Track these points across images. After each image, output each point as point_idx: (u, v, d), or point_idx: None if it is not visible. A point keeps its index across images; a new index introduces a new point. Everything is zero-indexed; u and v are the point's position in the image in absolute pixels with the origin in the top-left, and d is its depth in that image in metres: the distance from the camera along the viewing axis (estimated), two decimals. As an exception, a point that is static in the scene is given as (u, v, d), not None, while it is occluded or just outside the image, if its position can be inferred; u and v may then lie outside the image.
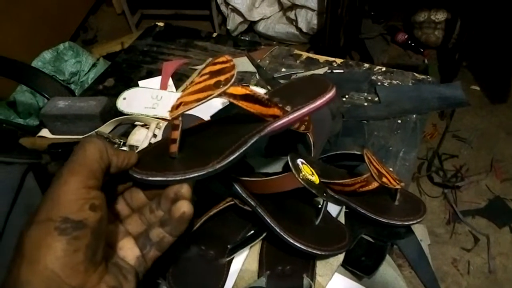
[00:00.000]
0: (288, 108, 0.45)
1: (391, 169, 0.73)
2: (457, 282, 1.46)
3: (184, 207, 0.36)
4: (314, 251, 0.53)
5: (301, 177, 0.51)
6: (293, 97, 0.50)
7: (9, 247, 0.53)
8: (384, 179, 0.58)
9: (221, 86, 0.38)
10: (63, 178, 0.30)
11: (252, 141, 0.42)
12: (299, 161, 0.54)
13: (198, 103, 0.39)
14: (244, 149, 0.41)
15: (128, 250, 0.36)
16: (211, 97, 0.39)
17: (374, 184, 0.58)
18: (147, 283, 0.40)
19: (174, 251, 0.57)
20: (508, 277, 1.46)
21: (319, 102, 0.49)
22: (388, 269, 0.60)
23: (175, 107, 0.40)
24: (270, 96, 0.45)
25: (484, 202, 1.69)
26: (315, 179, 0.54)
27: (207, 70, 0.40)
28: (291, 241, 0.52)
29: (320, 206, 0.58)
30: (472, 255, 1.53)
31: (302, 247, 0.52)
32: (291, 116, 0.46)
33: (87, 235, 0.29)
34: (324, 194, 0.54)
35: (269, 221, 0.53)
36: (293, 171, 0.51)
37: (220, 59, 0.40)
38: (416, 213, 0.61)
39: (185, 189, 0.37)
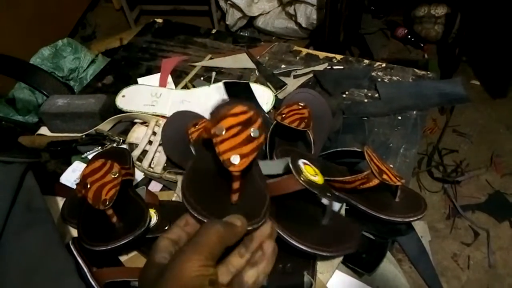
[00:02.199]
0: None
1: (391, 165, 0.73)
2: (457, 276, 1.47)
3: (272, 244, 0.40)
4: (320, 253, 0.52)
5: (302, 178, 0.50)
6: None
7: (8, 245, 0.53)
8: (385, 176, 0.58)
9: (260, 133, 0.44)
10: (186, 256, 0.34)
11: None
12: (301, 162, 0.53)
13: (255, 152, 0.43)
14: None
15: None
16: (260, 145, 0.44)
17: (375, 181, 0.57)
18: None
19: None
20: (508, 271, 1.47)
21: None
22: (388, 266, 0.60)
23: (234, 162, 0.43)
24: None
25: (484, 197, 1.69)
26: (319, 179, 0.53)
27: (232, 122, 0.44)
28: (296, 243, 0.52)
29: (326, 205, 0.57)
30: (472, 250, 1.54)
31: (307, 249, 0.52)
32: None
33: None
34: (328, 195, 0.53)
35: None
36: (294, 173, 0.50)
37: (237, 110, 0.44)
38: (416, 210, 0.60)
39: (270, 230, 0.42)
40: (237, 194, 0.45)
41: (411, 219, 0.60)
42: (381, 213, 0.60)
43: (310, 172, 0.53)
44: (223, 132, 0.43)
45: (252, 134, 0.44)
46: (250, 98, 0.83)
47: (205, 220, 0.40)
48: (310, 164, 0.55)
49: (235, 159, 0.42)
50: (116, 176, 0.58)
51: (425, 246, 0.64)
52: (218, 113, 0.44)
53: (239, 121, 0.44)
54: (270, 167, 0.58)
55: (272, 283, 0.56)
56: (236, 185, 0.44)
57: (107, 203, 0.54)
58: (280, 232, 0.53)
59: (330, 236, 0.55)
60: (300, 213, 0.58)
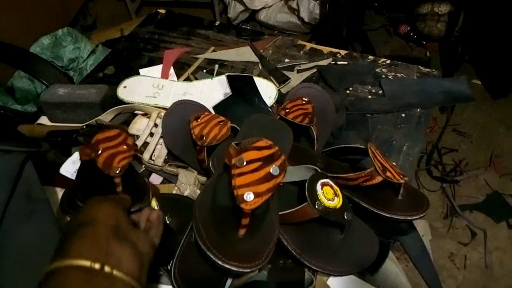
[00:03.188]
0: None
1: (394, 163, 0.72)
2: (453, 276, 1.47)
3: (155, 212, 0.50)
4: (330, 273, 0.53)
5: (317, 206, 0.50)
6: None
7: (7, 235, 0.53)
8: (388, 174, 0.57)
9: (281, 172, 0.45)
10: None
11: None
12: (319, 184, 0.52)
13: (271, 193, 0.44)
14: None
15: None
16: (277, 184, 0.45)
17: (378, 179, 0.57)
18: (149, 275, 0.41)
19: (177, 243, 0.56)
20: (504, 272, 1.47)
21: None
22: (389, 264, 0.59)
23: (247, 199, 0.43)
24: None
25: (482, 197, 1.69)
26: (337, 201, 0.52)
27: (254, 156, 0.45)
28: (306, 263, 0.53)
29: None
30: (469, 250, 1.54)
31: (318, 269, 0.53)
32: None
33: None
34: (345, 218, 0.52)
35: (286, 244, 0.53)
36: (309, 202, 0.50)
37: (261, 144, 0.46)
38: (419, 208, 0.60)
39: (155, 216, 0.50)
40: (245, 230, 0.46)
41: (414, 217, 0.59)
42: (384, 210, 0.59)
43: (328, 196, 0.52)
44: (244, 164, 0.44)
45: (272, 171, 0.44)
46: (253, 92, 0.82)
47: (208, 252, 0.44)
48: (330, 183, 0.54)
49: (249, 197, 0.42)
50: (129, 148, 0.57)
51: (426, 245, 0.64)
52: (242, 144, 0.45)
53: (261, 156, 0.45)
54: (291, 174, 0.57)
55: (272, 278, 0.55)
56: (245, 221, 0.45)
57: (118, 171, 0.54)
58: (293, 252, 0.53)
59: (345, 254, 0.55)
60: (316, 228, 0.57)
